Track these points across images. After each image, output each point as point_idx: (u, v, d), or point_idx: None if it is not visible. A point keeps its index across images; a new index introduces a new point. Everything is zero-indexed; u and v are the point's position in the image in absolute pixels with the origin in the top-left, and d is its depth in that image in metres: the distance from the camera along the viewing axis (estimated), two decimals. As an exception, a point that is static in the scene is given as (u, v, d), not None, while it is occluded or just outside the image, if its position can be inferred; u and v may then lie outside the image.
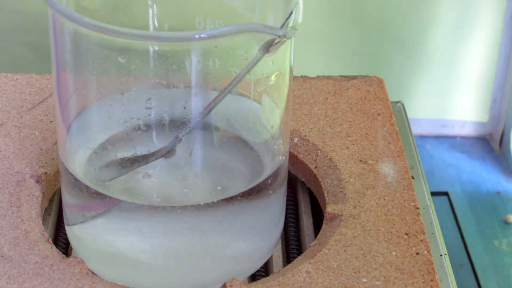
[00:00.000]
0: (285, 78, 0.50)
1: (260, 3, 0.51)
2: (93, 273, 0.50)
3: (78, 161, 0.51)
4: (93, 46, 0.47)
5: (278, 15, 0.48)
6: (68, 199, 0.52)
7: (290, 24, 0.46)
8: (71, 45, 0.48)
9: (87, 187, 0.50)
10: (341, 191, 0.56)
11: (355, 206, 0.54)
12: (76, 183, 0.50)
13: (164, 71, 0.47)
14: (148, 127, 0.50)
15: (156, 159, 0.49)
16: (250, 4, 0.51)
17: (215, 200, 0.49)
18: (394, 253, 0.51)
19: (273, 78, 0.49)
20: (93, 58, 0.48)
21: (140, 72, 0.48)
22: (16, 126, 0.60)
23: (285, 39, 0.45)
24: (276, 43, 0.45)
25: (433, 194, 0.67)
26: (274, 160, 0.51)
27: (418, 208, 0.54)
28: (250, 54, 0.47)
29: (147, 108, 0.50)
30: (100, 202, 0.50)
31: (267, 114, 0.50)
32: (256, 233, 0.52)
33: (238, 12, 0.52)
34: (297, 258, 0.52)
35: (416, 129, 1.32)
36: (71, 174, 0.50)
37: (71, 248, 0.56)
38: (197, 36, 0.44)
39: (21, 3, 1.06)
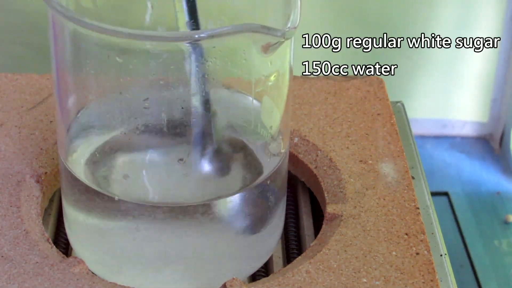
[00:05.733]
0: (285, 78, 0.50)
1: (260, 3, 0.51)
2: (93, 273, 0.50)
3: (78, 161, 0.51)
4: (93, 46, 0.47)
5: (278, 15, 0.48)
6: (68, 199, 0.52)
7: (289, 25, 0.46)
8: (71, 45, 0.48)
9: (87, 187, 0.50)
10: (341, 191, 0.55)
11: (355, 206, 0.54)
12: (76, 183, 0.50)
13: (163, 71, 0.47)
14: (146, 126, 0.50)
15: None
16: (250, 4, 0.51)
17: (214, 200, 0.49)
18: (394, 253, 0.51)
19: (272, 78, 0.49)
20: (93, 58, 0.48)
21: (139, 72, 0.48)
22: (16, 126, 0.60)
23: (283, 40, 0.45)
24: (275, 44, 0.45)
25: (433, 194, 0.67)
26: (274, 161, 0.51)
27: (418, 208, 0.54)
28: (249, 54, 0.47)
29: (145, 107, 0.50)
30: (100, 202, 0.50)
31: (267, 115, 0.50)
32: (256, 233, 0.52)
33: (238, 12, 0.52)
34: (297, 258, 0.52)
35: (416, 129, 1.31)
36: (71, 174, 0.50)
37: (71, 248, 0.55)
38: (196, 36, 0.44)
39: (21, 3, 1.06)
